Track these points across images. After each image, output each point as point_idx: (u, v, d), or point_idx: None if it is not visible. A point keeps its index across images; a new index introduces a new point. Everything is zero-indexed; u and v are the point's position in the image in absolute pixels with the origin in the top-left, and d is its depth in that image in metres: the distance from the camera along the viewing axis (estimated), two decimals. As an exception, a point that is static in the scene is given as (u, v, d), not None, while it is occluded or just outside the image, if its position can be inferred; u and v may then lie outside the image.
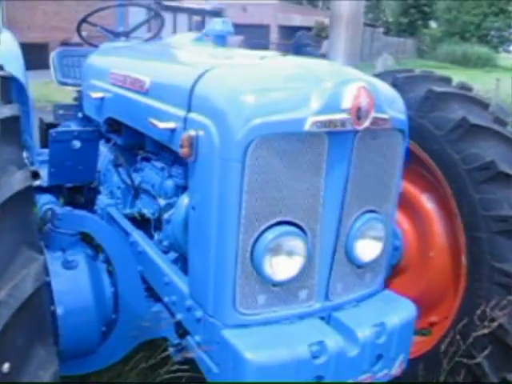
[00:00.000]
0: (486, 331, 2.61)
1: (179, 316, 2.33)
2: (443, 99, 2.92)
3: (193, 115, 2.08)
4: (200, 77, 2.12)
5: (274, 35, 37.40)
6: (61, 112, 4.75)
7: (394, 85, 3.12)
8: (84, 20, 4.00)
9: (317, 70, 2.03)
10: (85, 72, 3.68)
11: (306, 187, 2.01)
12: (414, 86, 3.09)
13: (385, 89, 2.23)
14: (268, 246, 1.97)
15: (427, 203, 3.23)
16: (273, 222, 1.99)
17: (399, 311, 2.27)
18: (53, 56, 4.87)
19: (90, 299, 2.39)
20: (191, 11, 36.76)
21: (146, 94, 2.56)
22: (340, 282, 2.23)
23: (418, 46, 50.38)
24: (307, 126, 1.89)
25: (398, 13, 51.07)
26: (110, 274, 2.63)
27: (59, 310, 2.31)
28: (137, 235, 2.82)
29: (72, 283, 2.38)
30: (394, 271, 3.29)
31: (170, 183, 2.58)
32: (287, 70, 2.11)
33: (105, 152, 3.58)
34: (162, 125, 2.21)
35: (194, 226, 2.16)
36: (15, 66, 3.89)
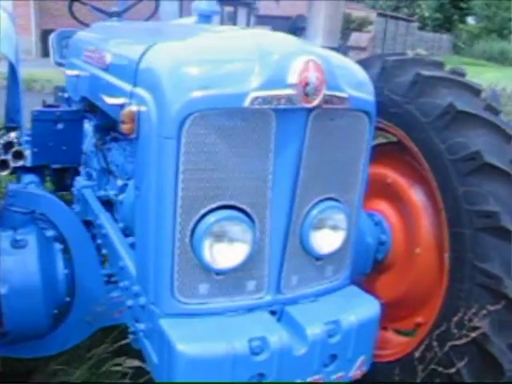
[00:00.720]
0: (464, 340, 2.41)
1: (129, 302, 2.21)
2: (431, 84, 2.70)
3: (137, 90, 1.94)
4: (147, 50, 1.98)
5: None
6: (60, 94, 4.70)
7: (383, 68, 2.93)
8: None
9: (267, 42, 1.86)
10: (67, 51, 3.59)
11: (252, 169, 1.85)
12: (404, 71, 2.88)
13: (344, 65, 2.04)
14: (208, 231, 1.82)
15: (416, 196, 3.03)
16: (214, 205, 1.84)
17: (360, 308, 2.09)
18: (52, 37, 4.80)
19: (36, 280, 2.28)
20: (222, 1, 36.75)
21: (106, 69, 2.43)
22: (295, 274, 2.06)
23: (454, 42, 49.24)
24: (247, 102, 1.72)
25: (433, 8, 49.98)
26: (67, 255, 2.52)
27: (2, 290, 2.21)
28: (103, 218, 2.70)
29: (18, 262, 2.28)
30: (379, 267, 3.11)
31: (127, 163, 2.46)
32: (236, 42, 1.95)
33: (89, 133, 3.48)
34: (110, 100, 2.08)
35: (137, 207, 2.03)
36: (7, 46, 3.84)
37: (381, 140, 3.25)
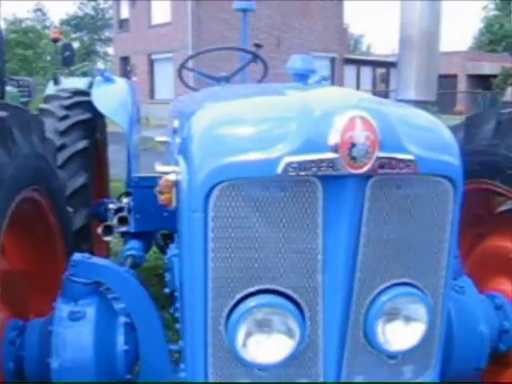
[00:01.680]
0: None
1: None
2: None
3: (179, 156, 1.79)
4: (194, 113, 1.82)
5: (461, 84, 35.62)
6: None
7: (499, 123, 2.49)
8: (182, 66, 3.97)
9: (314, 98, 1.61)
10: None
11: (297, 247, 1.56)
12: (526, 126, 2.42)
13: (415, 122, 1.69)
14: (244, 319, 1.55)
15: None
16: (252, 289, 1.57)
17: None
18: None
19: (89, 355, 2.14)
20: (375, 63, 36.81)
21: (174, 134, 2.34)
22: (360, 374, 1.69)
23: None
24: (280, 169, 1.46)
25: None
26: (131, 330, 2.38)
27: (54, 364, 2.10)
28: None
29: (73, 335, 2.17)
30: (503, 360, 2.56)
31: None
32: (283, 99, 1.71)
33: None
34: (158, 168, 1.95)
35: (179, 285, 1.83)
36: (120, 115, 4.06)
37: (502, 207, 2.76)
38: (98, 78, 4.41)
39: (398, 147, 1.52)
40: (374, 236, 1.59)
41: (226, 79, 4.10)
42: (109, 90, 4.31)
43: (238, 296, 1.57)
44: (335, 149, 1.44)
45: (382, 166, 1.48)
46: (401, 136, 1.53)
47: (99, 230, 3.82)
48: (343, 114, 1.45)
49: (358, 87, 32.44)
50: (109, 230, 3.75)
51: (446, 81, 32.31)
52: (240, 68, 4.16)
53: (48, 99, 4.32)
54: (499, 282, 2.67)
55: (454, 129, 2.65)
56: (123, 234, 3.94)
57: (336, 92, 1.68)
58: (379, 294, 1.64)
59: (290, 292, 1.58)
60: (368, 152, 1.45)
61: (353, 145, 1.44)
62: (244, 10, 4.79)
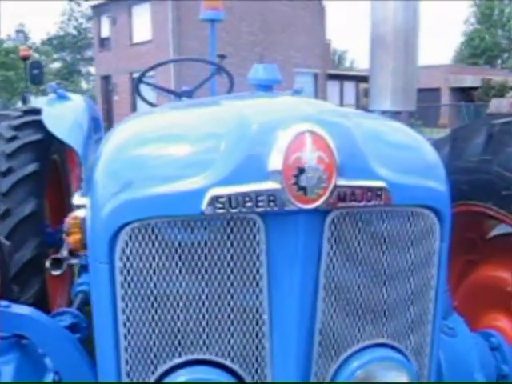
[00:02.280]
0: None
1: None
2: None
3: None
4: (109, 132, 1.46)
5: (445, 98, 35.78)
6: None
7: (490, 135, 2.15)
8: (140, 80, 3.60)
9: (255, 109, 1.24)
10: None
11: (234, 305, 1.18)
12: (519, 138, 2.07)
13: (383, 135, 1.33)
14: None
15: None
16: (178, 360, 1.19)
17: None
18: None
19: None
20: (358, 78, 36.72)
21: None
22: None
23: None
24: (205, 205, 1.09)
25: None
26: None
27: None
28: None
29: None
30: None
31: None
32: (219, 113, 1.34)
33: None
34: (76, 200, 1.57)
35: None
36: (74, 135, 3.76)
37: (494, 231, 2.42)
38: (51, 96, 4.03)
39: (363, 172, 1.16)
40: (337, 287, 1.22)
41: (189, 93, 3.74)
42: (62, 109, 3.93)
43: (161, 370, 1.19)
44: (277, 177, 1.08)
45: (342, 198, 1.12)
46: (367, 157, 1.17)
47: (47, 264, 3.41)
48: (288, 128, 1.09)
49: (341, 102, 32.35)
50: (59, 263, 3.34)
51: (429, 94, 32.39)
52: (203, 81, 3.80)
53: (-3, 120, 3.94)
54: (494, 318, 2.33)
55: (438, 143, 2.30)
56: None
57: (287, 101, 1.31)
58: (347, 360, 1.26)
59: (228, 363, 1.21)
60: (322, 180, 1.08)
61: (301, 170, 1.07)
62: (211, 21, 4.48)
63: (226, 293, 1.17)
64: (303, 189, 1.07)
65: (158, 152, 1.18)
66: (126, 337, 1.18)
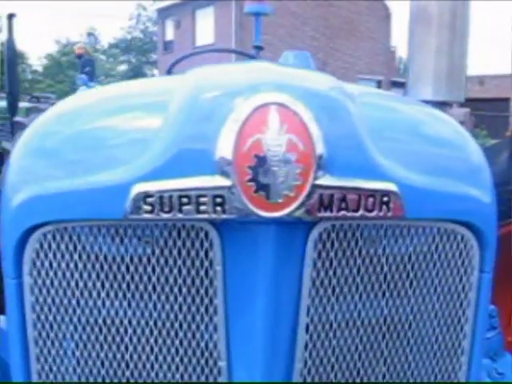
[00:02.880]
0: None
1: None
2: None
3: None
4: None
5: (515, 109, 34.15)
6: None
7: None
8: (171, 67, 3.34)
9: (212, 76, 0.91)
10: None
11: (179, 343, 0.86)
12: None
13: (400, 117, 0.97)
14: None
15: None
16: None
17: None
18: None
19: None
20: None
21: None
22: None
23: None
24: (129, 206, 0.77)
25: None
26: None
27: None
28: None
29: None
30: None
31: None
32: (165, 84, 1.01)
33: None
34: None
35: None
36: None
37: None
38: (82, 88, 3.86)
39: (362, 167, 0.81)
40: (323, 337, 0.87)
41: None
42: None
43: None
44: (226, 168, 0.74)
45: (326, 205, 0.77)
46: (369, 146, 0.81)
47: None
48: (247, 97, 0.75)
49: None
50: None
51: (498, 105, 30.96)
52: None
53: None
54: None
55: (495, 148, 1.90)
56: None
57: (264, 66, 0.95)
58: None
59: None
60: (293, 176, 0.74)
61: (261, 160, 0.73)
62: (256, 14, 4.20)
63: (167, 326, 0.85)
64: (264, 188, 0.73)
65: (78, 134, 0.89)
66: (40, 374, 0.89)
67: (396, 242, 0.88)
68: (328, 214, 0.77)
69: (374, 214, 0.80)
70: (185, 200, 0.75)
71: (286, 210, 0.75)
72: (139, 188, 0.77)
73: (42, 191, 0.84)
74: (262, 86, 0.77)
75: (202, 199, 0.75)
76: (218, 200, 0.75)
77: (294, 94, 0.76)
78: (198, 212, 0.75)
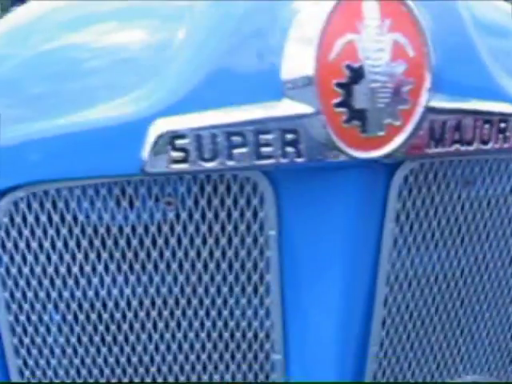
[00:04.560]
0: None
1: None
2: None
3: None
4: None
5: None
6: None
7: None
8: None
9: None
10: None
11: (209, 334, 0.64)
12: None
13: None
14: None
15: None
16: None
17: None
18: None
19: None
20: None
21: None
22: None
23: None
24: (147, 153, 0.52)
25: None
26: None
27: None
28: None
29: None
30: None
31: None
32: None
33: None
34: None
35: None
36: None
37: None
38: None
39: (479, 83, 0.58)
40: (406, 293, 0.67)
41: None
42: None
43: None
44: (301, 90, 0.49)
45: (439, 138, 0.54)
46: (487, 59, 0.59)
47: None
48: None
49: None
50: None
51: None
52: None
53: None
54: None
55: None
56: None
57: None
58: None
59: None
60: (402, 96, 0.50)
61: (355, 73, 0.48)
62: None
63: (201, 315, 0.63)
64: (359, 116, 0.49)
65: (47, 55, 0.61)
66: (21, 372, 0.66)
67: (500, 180, 0.66)
68: (439, 149, 0.54)
69: (489, 146, 0.58)
70: (237, 140, 0.49)
71: (387, 148, 0.52)
72: (162, 125, 0.50)
73: (2, 141, 0.57)
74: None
75: (265, 137, 0.49)
76: (289, 137, 0.50)
77: None
78: (259, 158, 0.50)
